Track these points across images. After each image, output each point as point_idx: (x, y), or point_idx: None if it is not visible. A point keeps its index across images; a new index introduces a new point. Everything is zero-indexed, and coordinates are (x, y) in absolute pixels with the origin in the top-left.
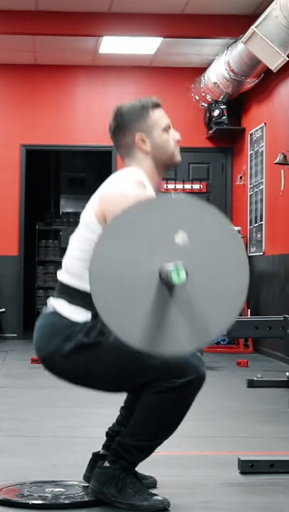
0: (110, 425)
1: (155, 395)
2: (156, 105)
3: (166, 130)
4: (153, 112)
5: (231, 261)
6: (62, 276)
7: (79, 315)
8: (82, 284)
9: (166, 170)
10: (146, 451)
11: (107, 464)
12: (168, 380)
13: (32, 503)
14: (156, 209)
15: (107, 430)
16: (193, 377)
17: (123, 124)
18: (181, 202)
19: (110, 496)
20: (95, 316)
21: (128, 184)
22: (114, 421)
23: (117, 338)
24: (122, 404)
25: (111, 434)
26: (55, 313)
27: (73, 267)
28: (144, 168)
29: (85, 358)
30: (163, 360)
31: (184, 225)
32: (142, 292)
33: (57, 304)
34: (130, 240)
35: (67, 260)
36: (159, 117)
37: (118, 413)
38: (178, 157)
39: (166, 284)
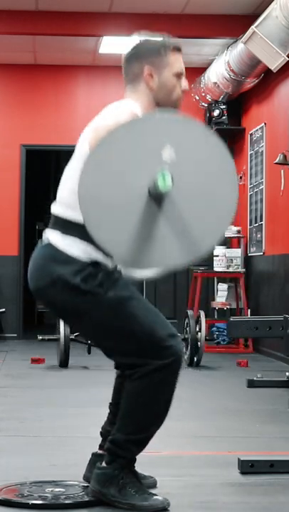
0: (103, 424)
1: (135, 382)
2: (177, 49)
3: (177, 75)
4: (171, 54)
5: (220, 176)
6: (56, 208)
7: (74, 248)
8: (77, 215)
9: (164, 109)
10: (140, 443)
11: (104, 464)
12: (146, 360)
13: (32, 503)
14: (144, 127)
15: (100, 430)
16: (171, 360)
17: (138, 53)
18: (167, 120)
19: (110, 495)
20: (95, 264)
21: (122, 114)
22: (106, 419)
23: (116, 296)
24: (110, 401)
25: (105, 434)
26: (50, 246)
27: (67, 198)
28: (143, 103)
29: (77, 301)
30: (148, 335)
31: (171, 142)
32: (131, 209)
33: (51, 236)
34: (118, 159)
35: (60, 192)
36: (174, 60)
37: (108, 411)
38: (179, 103)
39: (154, 199)
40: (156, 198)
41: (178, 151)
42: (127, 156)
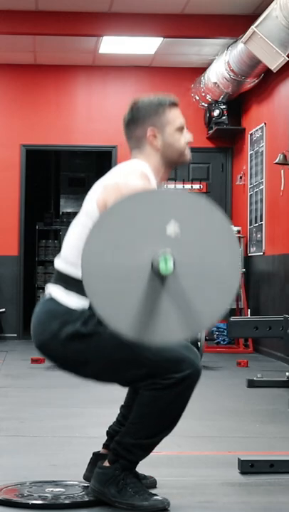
0: (111, 424)
1: (152, 392)
2: (174, 104)
3: (179, 130)
4: (169, 110)
5: (224, 253)
6: (59, 263)
7: (75, 301)
8: (78, 273)
9: (174, 167)
10: (147, 449)
11: (106, 463)
12: (164, 376)
13: (32, 503)
14: (151, 200)
15: (107, 429)
16: (189, 372)
17: (137, 117)
18: (173, 194)
19: (110, 495)
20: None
21: (132, 175)
22: (115, 420)
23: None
24: (123, 403)
25: (111, 433)
26: (52, 300)
27: (70, 255)
28: (151, 163)
29: (81, 347)
30: (159, 355)
31: (176, 217)
32: (133, 282)
33: (54, 291)
34: (122, 230)
35: (64, 247)
36: (174, 116)
37: (118, 412)
38: (187, 157)
39: (157, 275)
40: (159, 275)
41: (182, 226)
42: (133, 228)
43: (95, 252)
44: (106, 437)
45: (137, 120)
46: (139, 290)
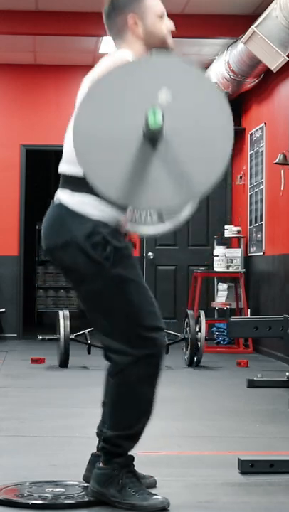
0: (98, 425)
1: (116, 378)
2: None
3: (160, 17)
4: None
5: (216, 119)
6: (62, 167)
7: (85, 204)
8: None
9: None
10: (132, 438)
11: (101, 464)
12: (125, 351)
13: (32, 503)
14: (141, 68)
15: (96, 431)
16: (151, 352)
17: (117, 5)
18: (164, 61)
19: (110, 495)
20: (106, 232)
21: (116, 63)
22: (100, 421)
23: (119, 274)
24: (103, 400)
25: (100, 434)
26: (61, 205)
27: (71, 155)
28: (135, 51)
29: (82, 263)
30: (133, 322)
31: (168, 83)
32: (124, 147)
33: (62, 195)
34: (113, 98)
35: (65, 149)
36: (154, 3)
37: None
38: (170, 42)
39: (149, 140)
40: (151, 138)
41: (174, 93)
42: (123, 96)
43: (85, 121)
44: (98, 439)
45: (117, 8)
46: (130, 156)
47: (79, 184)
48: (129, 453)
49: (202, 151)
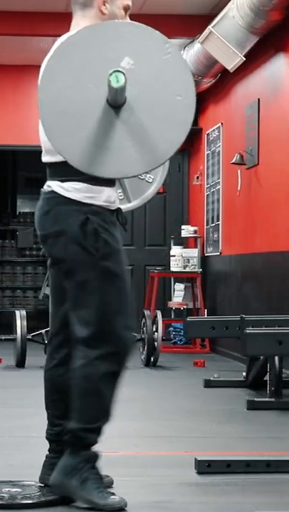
0: (47, 429)
1: (84, 369)
2: None
3: (125, 9)
4: None
5: (178, 85)
6: (45, 157)
7: (74, 191)
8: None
9: None
10: (96, 431)
11: (67, 455)
12: (94, 345)
13: None
14: (105, 33)
15: (46, 436)
16: (119, 350)
17: None
18: (127, 26)
19: (71, 487)
20: (97, 223)
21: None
22: (48, 424)
23: (106, 267)
24: (46, 402)
25: (51, 439)
26: (51, 192)
27: (48, 144)
28: None
29: (72, 250)
30: (109, 316)
31: (130, 51)
32: (88, 115)
33: (52, 183)
34: (76, 66)
35: (42, 140)
36: None
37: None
38: None
39: (112, 102)
40: (113, 100)
41: (136, 60)
42: (86, 63)
43: (50, 86)
44: (49, 444)
45: None
46: (93, 123)
47: (67, 171)
48: (95, 450)
49: (165, 116)
